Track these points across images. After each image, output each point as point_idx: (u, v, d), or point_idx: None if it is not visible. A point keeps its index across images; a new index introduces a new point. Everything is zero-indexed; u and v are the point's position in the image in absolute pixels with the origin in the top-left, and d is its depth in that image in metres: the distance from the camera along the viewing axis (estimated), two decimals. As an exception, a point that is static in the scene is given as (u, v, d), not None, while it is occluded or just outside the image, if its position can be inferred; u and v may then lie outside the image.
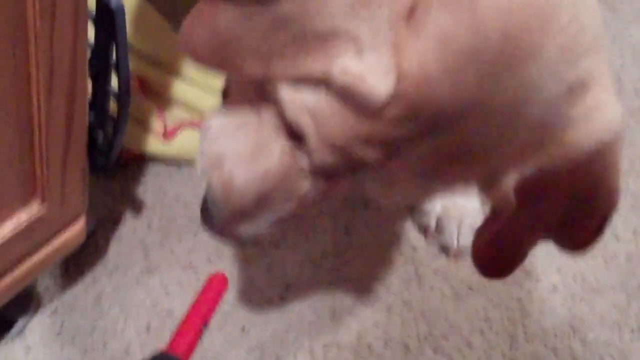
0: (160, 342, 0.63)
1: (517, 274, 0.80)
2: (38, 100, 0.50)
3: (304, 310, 0.79)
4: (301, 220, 0.85)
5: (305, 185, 0.44)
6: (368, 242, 0.86)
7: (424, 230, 0.88)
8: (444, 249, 0.87)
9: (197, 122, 0.86)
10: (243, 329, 0.76)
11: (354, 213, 0.88)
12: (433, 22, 0.36)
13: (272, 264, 0.82)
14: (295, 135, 0.41)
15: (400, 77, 0.37)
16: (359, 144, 0.40)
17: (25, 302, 0.72)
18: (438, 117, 0.38)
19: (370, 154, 0.41)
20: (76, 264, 0.76)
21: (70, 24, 0.48)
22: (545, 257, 0.89)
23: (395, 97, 0.37)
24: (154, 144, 0.84)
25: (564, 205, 0.45)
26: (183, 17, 0.41)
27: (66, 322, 0.73)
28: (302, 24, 0.36)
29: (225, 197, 0.46)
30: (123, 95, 0.69)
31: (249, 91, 0.43)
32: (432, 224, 0.87)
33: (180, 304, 0.76)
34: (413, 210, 0.89)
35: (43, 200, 0.58)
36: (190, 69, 0.87)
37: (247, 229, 0.48)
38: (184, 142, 0.85)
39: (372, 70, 0.37)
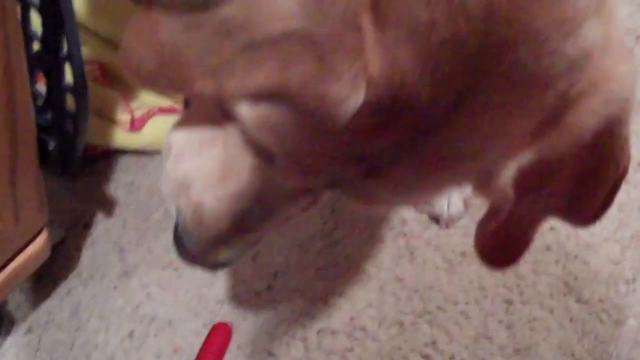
0: (145, 349, 0.60)
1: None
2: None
3: (294, 298, 0.76)
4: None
5: (283, 203, 0.40)
6: (356, 219, 0.83)
7: (412, 201, 0.85)
8: (435, 219, 0.84)
9: (168, 107, 0.81)
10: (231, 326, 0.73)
11: (337, 189, 0.85)
12: (403, 12, 0.31)
13: (257, 253, 0.78)
14: (263, 152, 0.36)
15: (369, 81, 0.32)
16: (331, 161, 0.35)
17: (-4, 323, 0.69)
18: (420, 121, 0.33)
19: (346, 171, 0.36)
20: (48, 276, 0.72)
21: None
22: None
23: (367, 105, 0.32)
24: (122, 136, 0.79)
25: (569, 186, 0.41)
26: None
27: (43, 338, 0.69)
28: (250, 29, 0.31)
29: (196, 224, 0.41)
30: (79, 88, 0.63)
31: (209, 105, 0.38)
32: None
33: (163, 307, 0.72)
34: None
35: (-5, 222, 0.54)
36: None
37: (226, 255, 0.44)
38: (155, 131, 0.80)
39: (335, 77, 0.31)
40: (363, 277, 0.79)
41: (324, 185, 0.38)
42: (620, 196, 0.94)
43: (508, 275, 0.82)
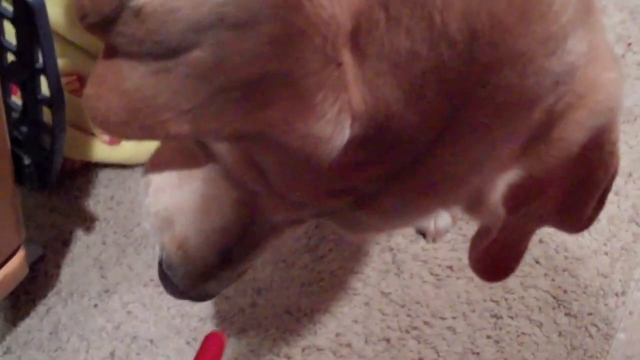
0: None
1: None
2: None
3: (278, 314, 0.75)
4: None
5: (268, 235, 0.39)
6: (341, 233, 0.82)
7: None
8: (422, 233, 0.83)
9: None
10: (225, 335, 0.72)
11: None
12: (383, 44, 0.30)
13: (240, 268, 0.77)
14: (245, 187, 0.35)
15: (354, 116, 0.31)
16: (317, 195, 0.34)
17: (-27, 344, 0.67)
18: (406, 152, 0.33)
19: (333, 203, 0.35)
20: (27, 295, 0.71)
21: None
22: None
23: (352, 140, 0.31)
24: (101, 150, 0.77)
25: (560, 194, 0.41)
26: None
27: (22, 359, 0.68)
28: (224, 73, 0.29)
29: (182, 259, 0.40)
30: (56, 100, 0.62)
31: (186, 140, 0.37)
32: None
33: (144, 325, 0.71)
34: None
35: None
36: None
37: (213, 287, 0.43)
38: (135, 145, 0.78)
39: (317, 116, 0.30)
40: (349, 292, 0.78)
41: (312, 217, 0.37)
42: (610, 208, 0.93)
43: (496, 290, 0.81)
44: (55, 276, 0.72)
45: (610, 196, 0.99)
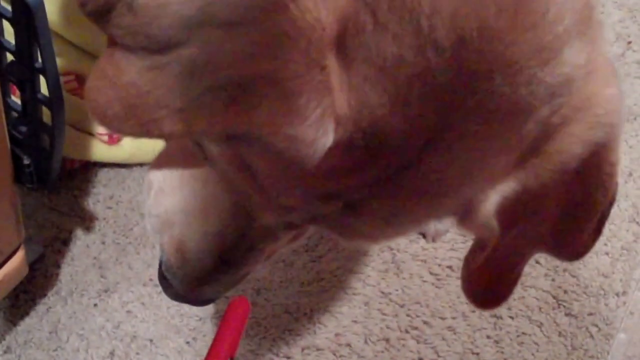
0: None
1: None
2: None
3: (277, 314, 0.75)
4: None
5: (265, 239, 0.39)
6: (340, 232, 0.82)
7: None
8: (421, 233, 0.83)
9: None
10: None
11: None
12: (369, 48, 0.29)
13: (239, 268, 0.77)
14: (237, 189, 0.35)
15: (338, 120, 0.30)
16: (305, 198, 0.34)
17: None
18: (393, 158, 0.32)
19: (322, 208, 0.35)
20: (26, 294, 0.71)
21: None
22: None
23: (338, 144, 0.31)
24: (100, 150, 0.77)
25: (555, 216, 0.40)
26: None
27: (22, 358, 0.68)
28: (213, 71, 0.29)
29: (180, 262, 0.40)
30: (55, 100, 0.62)
31: (188, 141, 0.37)
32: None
33: (144, 324, 0.71)
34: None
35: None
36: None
37: (212, 291, 0.43)
38: (135, 144, 0.78)
39: (301, 119, 0.30)
40: (348, 292, 0.78)
41: (304, 221, 0.37)
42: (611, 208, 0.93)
43: (496, 289, 0.81)
44: (55, 275, 0.72)
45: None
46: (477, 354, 0.76)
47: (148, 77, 0.30)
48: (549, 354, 0.77)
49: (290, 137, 0.30)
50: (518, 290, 0.81)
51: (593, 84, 0.35)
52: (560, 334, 0.78)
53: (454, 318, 0.78)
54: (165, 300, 0.72)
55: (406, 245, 0.81)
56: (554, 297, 0.81)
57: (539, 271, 0.82)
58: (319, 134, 0.30)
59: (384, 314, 0.77)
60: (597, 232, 0.42)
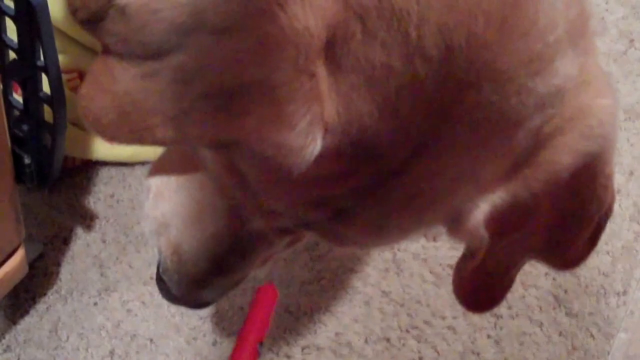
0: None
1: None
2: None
3: (278, 313, 0.75)
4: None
5: (260, 244, 0.39)
6: (340, 231, 0.82)
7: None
8: (421, 232, 0.83)
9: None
10: (214, 343, 0.72)
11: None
12: (358, 57, 0.29)
13: (240, 267, 0.77)
14: (228, 193, 0.36)
15: (326, 128, 0.31)
16: (294, 204, 0.34)
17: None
18: (381, 167, 0.33)
19: (311, 214, 0.35)
20: (26, 293, 0.71)
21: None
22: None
23: (326, 151, 0.31)
24: (102, 148, 0.77)
25: (548, 226, 0.39)
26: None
27: (22, 357, 0.68)
28: (205, 78, 0.29)
29: (176, 265, 0.41)
30: (56, 98, 0.62)
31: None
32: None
33: (144, 323, 0.71)
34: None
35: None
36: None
37: (209, 295, 0.43)
38: (136, 142, 0.78)
39: (289, 126, 0.30)
40: (349, 291, 0.78)
41: (295, 226, 0.37)
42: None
43: (497, 289, 0.81)
44: (55, 274, 0.72)
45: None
46: (478, 353, 0.76)
47: (141, 84, 0.30)
48: (550, 353, 0.77)
49: (278, 144, 0.30)
50: (518, 290, 0.81)
51: (586, 95, 0.35)
52: (560, 334, 0.78)
53: (454, 317, 0.78)
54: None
55: (407, 244, 0.81)
56: (554, 297, 0.81)
57: (540, 270, 0.82)
58: (307, 141, 0.30)
59: (385, 313, 0.77)
60: (592, 243, 0.42)
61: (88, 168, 0.79)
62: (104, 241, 0.75)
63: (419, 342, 0.76)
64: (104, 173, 0.80)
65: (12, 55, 0.60)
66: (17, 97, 0.64)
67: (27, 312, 0.70)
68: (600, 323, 0.80)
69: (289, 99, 0.29)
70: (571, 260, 0.43)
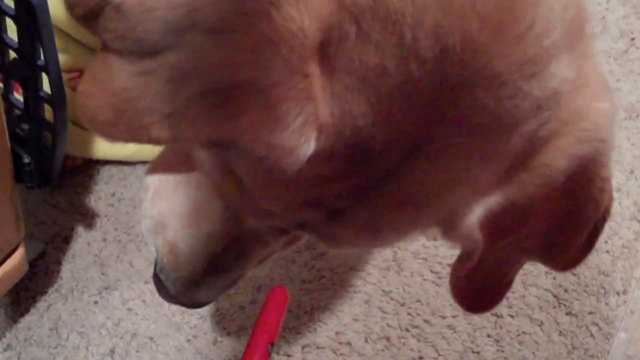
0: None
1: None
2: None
3: (278, 312, 0.75)
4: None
5: (255, 244, 0.39)
6: (341, 230, 0.82)
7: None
8: (421, 231, 0.83)
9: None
10: (215, 342, 0.72)
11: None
12: (352, 58, 0.29)
13: (240, 266, 0.77)
14: (223, 193, 0.36)
15: (320, 129, 0.31)
16: (288, 205, 0.34)
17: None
18: (375, 168, 0.32)
19: (305, 214, 0.35)
20: (27, 292, 0.71)
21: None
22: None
23: (319, 152, 0.31)
24: (103, 147, 0.77)
25: (544, 229, 0.39)
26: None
27: (22, 355, 0.68)
28: (200, 78, 0.29)
29: (172, 264, 0.41)
30: (57, 98, 0.62)
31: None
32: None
33: (144, 322, 0.71)
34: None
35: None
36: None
37: (205, 294, 0.43)
38: (137, 141, 0.78)
39: (282, 126, 0.30)
40: (349, 290, 0.78)
41: (289, 227, 0.37)
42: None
43: (497, 288, 0.81)
44: (56, 273, 0.72)
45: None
46: (478, 352, 0.76)
47: (138, 82, 0.30)
48: (549, 352, 0.77)
49: (272, 144, 0.30)
50: (519, 289, 0.81)
51: (582, 98, 0.34)
52: (560, 333, 0.78)
53: (454, 316, 0.78)
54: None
55: (407, 243, 0.81)
56: (554, 296, 0.81)
57: (540, 270, 0.82)
58: (300, 142, 0.30)
59: (385, 312, 0.77)
60: (589, 246, 0.41)
61: (89, 167, 0.79)
62: (104, 240, 0.76)
63: (419, 341, 0.76)
64: (105, 172, 0.80)
65: (12, 54, 0.61)
66: (18, 96, 0.64)
67: (27, 310, 0.70)
68: (600, 322, 0.80)
69: (283, 99, 0.29)
70: (567, 263, 0.43)
